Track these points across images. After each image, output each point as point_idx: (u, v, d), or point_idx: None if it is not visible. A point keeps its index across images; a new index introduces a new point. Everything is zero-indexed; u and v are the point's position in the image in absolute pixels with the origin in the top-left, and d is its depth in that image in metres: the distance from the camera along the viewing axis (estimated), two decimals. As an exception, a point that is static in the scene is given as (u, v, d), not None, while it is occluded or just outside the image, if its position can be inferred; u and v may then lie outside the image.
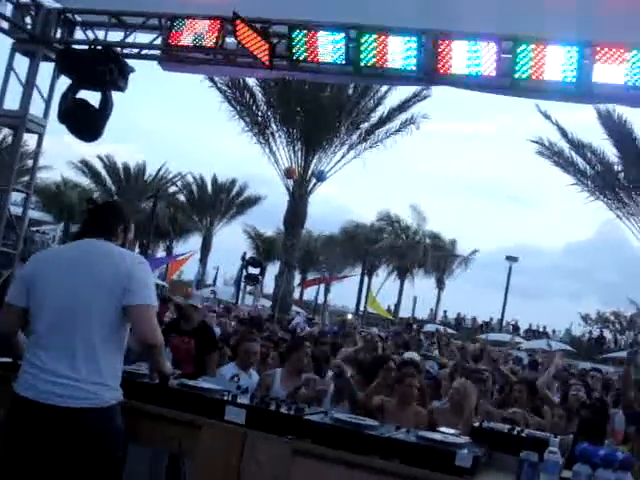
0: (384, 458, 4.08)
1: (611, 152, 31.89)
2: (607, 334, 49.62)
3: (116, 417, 4.04)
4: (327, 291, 51.61)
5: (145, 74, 11.05)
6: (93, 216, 4.45)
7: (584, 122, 39.00)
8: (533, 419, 7.09)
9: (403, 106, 30.65)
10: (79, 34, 9.35)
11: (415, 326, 22.11)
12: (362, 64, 7.81)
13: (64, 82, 8.97)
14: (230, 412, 4.39)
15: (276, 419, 4.35)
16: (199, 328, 7.88)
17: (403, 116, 30.91)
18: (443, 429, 4.85)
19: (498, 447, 4.49)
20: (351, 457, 4.08)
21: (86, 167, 52.14)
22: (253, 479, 4.21)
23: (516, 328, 48.04)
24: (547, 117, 31.66)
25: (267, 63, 7.99)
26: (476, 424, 4.92)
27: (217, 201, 53.57)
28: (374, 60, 7.71)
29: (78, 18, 9.34)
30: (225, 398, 4.52)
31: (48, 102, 9.25)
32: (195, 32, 8.25)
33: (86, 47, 9.02)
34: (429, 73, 7.76)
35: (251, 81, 29.25)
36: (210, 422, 4.37)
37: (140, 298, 4.04)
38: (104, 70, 8.61)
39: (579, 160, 32.69)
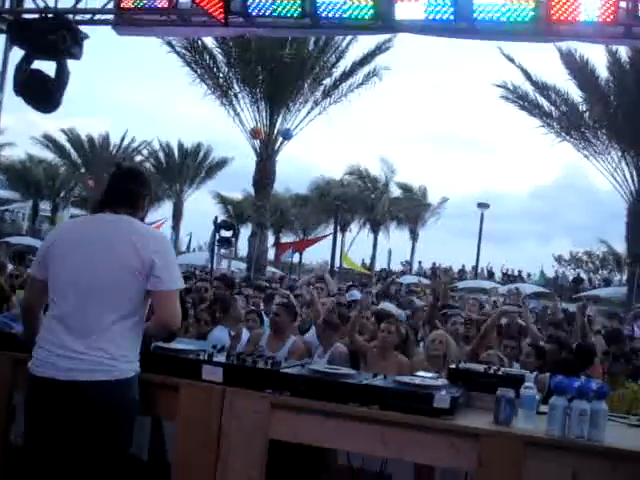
0: (364, 405, 4.11)
1: (575, 93, 31.96)
2: (582, 274, 50.32)
3: (133, 389, 4.01)
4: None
5: (101, 42, 10.87)
6: (118, 184, 4.22)
7: (547, 64, 39.08)
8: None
9: (365, 59, 30.50)
10: (28, 3, 9.15)
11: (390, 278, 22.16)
12: (318, 16, 7.70)
13: (18, 53, 8.80)
14: (207, 371, 4.38)
15: (253, 375, 4.34)
16: None
17: (366, 69, 30.82)
18: (421, 373, 4.89)
19: (475, 387, 4.53)
20: (329, 406, 4.10)
21: (50, 142, 51.50)
22: (234, 436, 4.21)
23: (491, 274, 48.47)
24: (510, 60, 31.51)
25: (222, 20, 7.86)
26: (452, 366, 4.95)
27: (185, 167, 53.19)
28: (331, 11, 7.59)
29: (26, -14, 9.14)
30: (201, 357, 4.50)
31: (2, 75, 9.07)
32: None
33: (37, 16, 8.83)
34: (387, 21, 7.67)
35: (210, 43, 28.94)
36: (187, 382, 4.36)
37: (165, 284, 3.94)
38: (57, 38, 8.44)
39: (544, 102, 32.67)
